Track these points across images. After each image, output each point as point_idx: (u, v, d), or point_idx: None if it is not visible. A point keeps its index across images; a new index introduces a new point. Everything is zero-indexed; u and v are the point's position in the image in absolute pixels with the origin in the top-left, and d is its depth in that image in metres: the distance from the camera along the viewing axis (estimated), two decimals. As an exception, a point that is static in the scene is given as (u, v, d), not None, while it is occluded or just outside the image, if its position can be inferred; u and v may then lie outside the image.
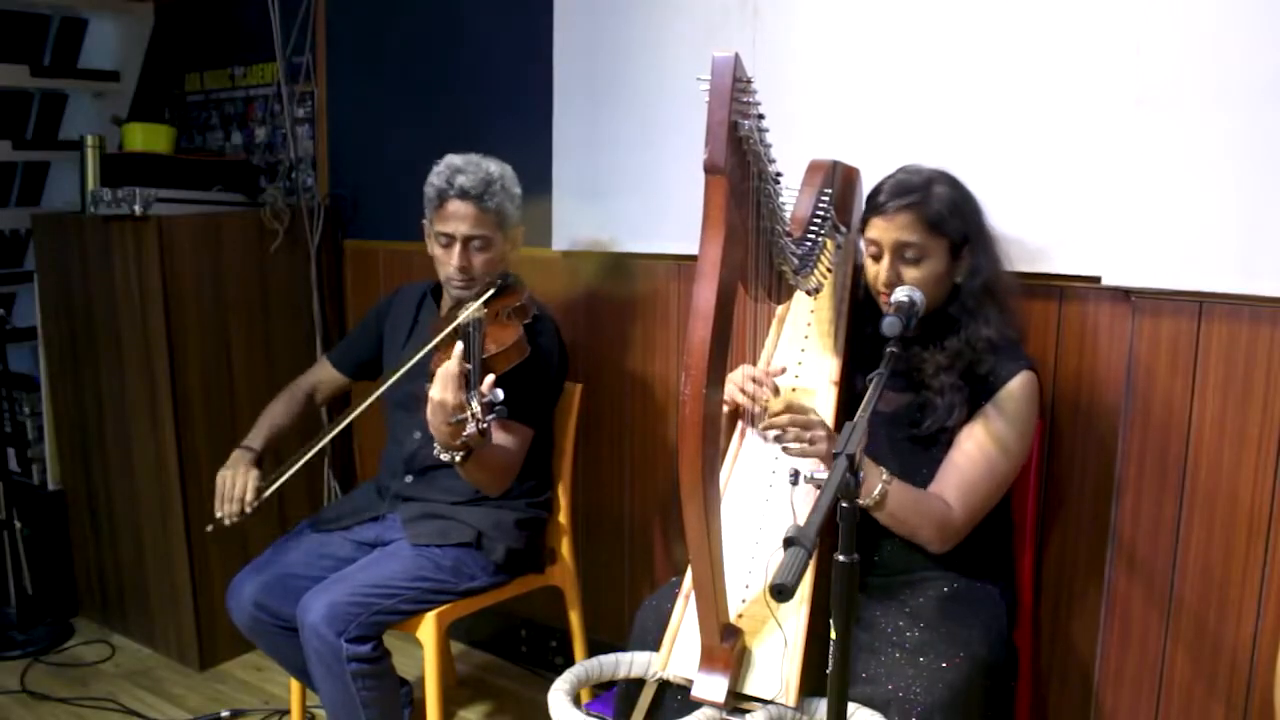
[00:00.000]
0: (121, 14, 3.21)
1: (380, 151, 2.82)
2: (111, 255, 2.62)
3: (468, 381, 1.61)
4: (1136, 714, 1.84)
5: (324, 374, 2.30)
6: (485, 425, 1.57)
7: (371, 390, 2.02)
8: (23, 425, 3.05)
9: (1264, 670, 1.69)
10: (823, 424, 1.48)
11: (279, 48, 2.85)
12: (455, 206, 1.97)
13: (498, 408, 1.58)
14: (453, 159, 2.01)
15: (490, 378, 1.61)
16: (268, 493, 2.00)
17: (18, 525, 2.89)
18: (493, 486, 1.93)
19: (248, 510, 1.99)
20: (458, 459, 1.69)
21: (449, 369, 1.61)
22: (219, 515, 1.99)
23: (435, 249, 2.04)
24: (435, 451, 1.70)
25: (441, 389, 1.60)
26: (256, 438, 2.13)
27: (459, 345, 1.66)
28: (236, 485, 2.00)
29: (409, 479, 2.13)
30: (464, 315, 1.86)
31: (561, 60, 2.39)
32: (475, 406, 1.56)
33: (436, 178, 2.00)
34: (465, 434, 1.57)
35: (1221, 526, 1.72)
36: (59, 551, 3.00)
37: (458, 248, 1.98)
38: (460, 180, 1.96)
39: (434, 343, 1.88)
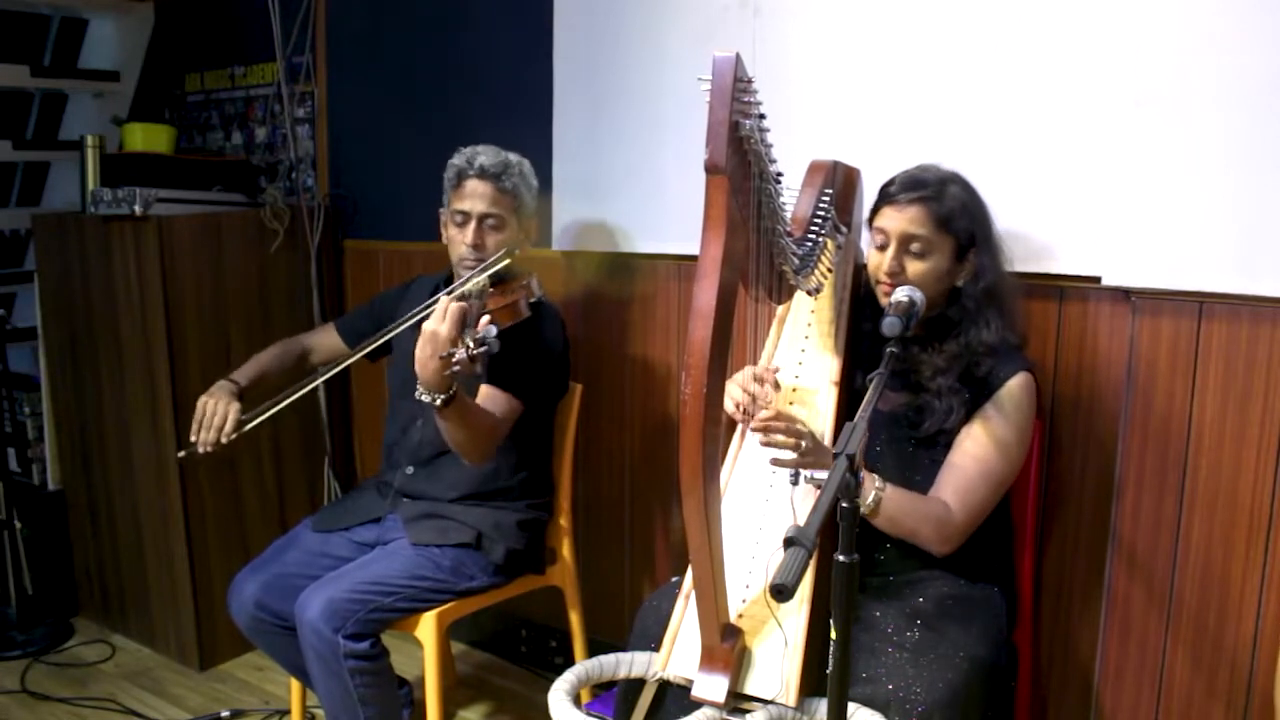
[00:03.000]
0: (121, 14, 3.21)
1: (380, 151, 2.82)
2: (111, 255, 2.62)
3: (464, 323, 1.64)
4: (1136, 714, 1.84)
5: (325, 339, 2.30)
6: (475, 354, 1.58)
7: (376, 371, 2.00)
8: (23, 425, 3.05)
9: (1264, 670, 1.69)
10: (811, 435, 1.47)
11: (279, 48, 2.85)
12: (473, 185, 2.01)
13: (490, 341, 1.60)
14: (474, 146, 2.06)
15: (486, 317, 1.63)
16: (248, 427, 1.97)
17: (18, 525, 2.89)
18: (472, 449, 1.89)
19: (224, 441, 1.96)
20: (439, 401, 1.70)
21: (449, 302, 1.64)
22: (193, 440, 1.96)
23: (450, 229, 2.07)
24: (418, 393, 1.70)
25: (438, 320, 1.63)
26: (242, 375, 2.12)
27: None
28: (217, 414, 1.97)
29: (410, 470, 2.12)
30: (470, 284, 1.88)
31: (561, 60, 2.39)
32: (468, 340, 1.59)
33: (457, 158, 2.05)
34: (455, 362, 1.59)
35: (1221, 526, 1.72)
36: (59, 551, 3.00)
37: (472, 225, 2.01)
38: (480, 159, 2.02)
39: (436, 302, 1.89)
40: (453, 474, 2.06)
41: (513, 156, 2.06)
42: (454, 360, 1.59)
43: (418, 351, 1.65)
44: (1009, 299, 1.65)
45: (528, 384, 2.01)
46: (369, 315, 2.29)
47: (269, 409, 1.97)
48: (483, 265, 1.96)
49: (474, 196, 2.01)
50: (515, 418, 1.99)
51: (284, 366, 2.21)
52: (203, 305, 2.62)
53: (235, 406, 1.99)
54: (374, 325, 2.25)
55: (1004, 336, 1.61)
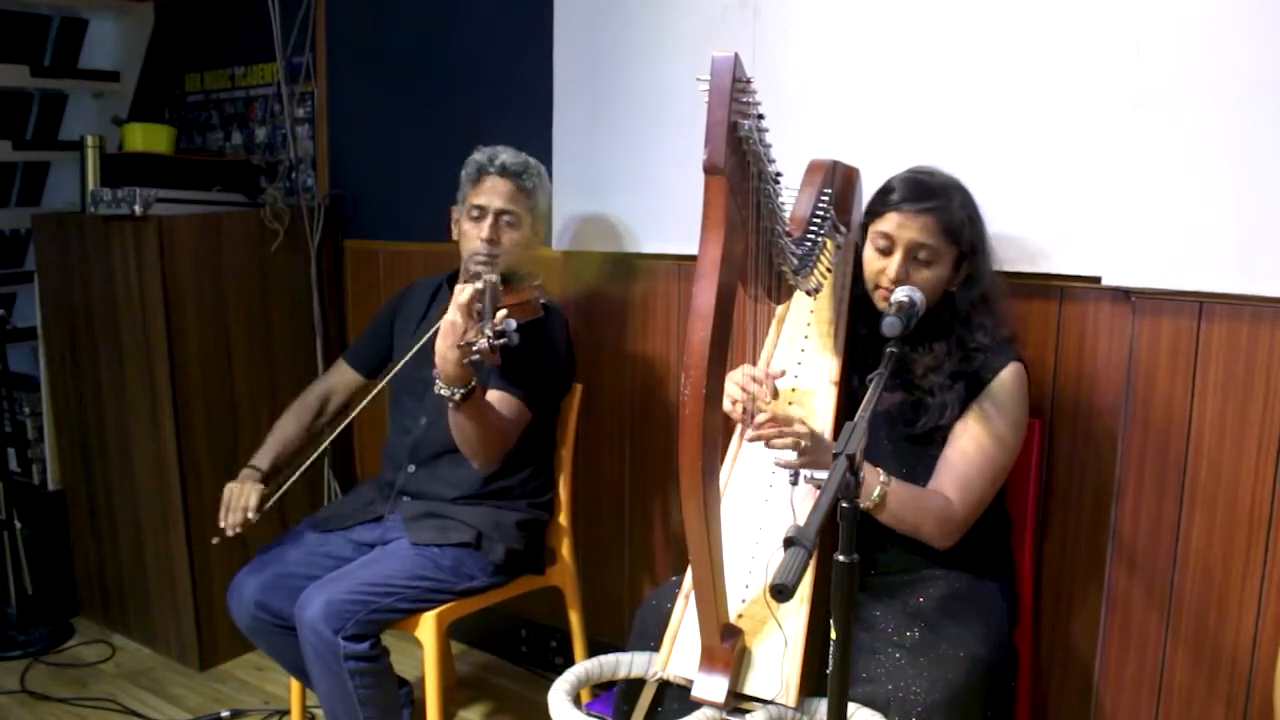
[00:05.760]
0: (121, 14, 3.21)
1: (380, 151, 2.82)
2: (111, 255, 2.62)
3: (482, 315, 1.66)
4: (1136, 714, 1.84)
5: (340, 377, 2.29)
6: (495, 344, 1.61)
7: (371, 390, 2.03)
8: (23, 425, 3.05)
9: (1264, 670, 1.69)
10: (810, 432, 1.47)
11: (279, 48, 2.85)
12: (493, 181, 2.05)
13: (510, 334, 1.62)
14: (495, 146, 2.10)
15: (503, 311, 1.65)
16: (270, 503, 2.06)
17: (18, 525, 2.89)
18: (482, 449, 1.89)
19: (251, 518, 2.04)
20: (458, 395, 1.72)
21: (472, 288, 1.66)
22: (222, 525, 2.04)
23: (465, 224, 2.08)
24: (437, 387, 1.72)
25: (456, 310, 1.65)
26: (264, 458, 2.16)
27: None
28: (242, 496, 2.05)
29: (412, 469, 2.13)
30: (482, 281, 1.88)
31: (561, 60, 2.39)
32: (487, 330, 1.62)
33: (479, 154, 2.09)
34: (476, 348, 1.61)
35: (1221, 526, 1.72)
36: (59, 551, 3.00)
37: (489, 220, 2.04)
38: (503, 157, 2.06)
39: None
40: (454, 474, 2.06)
41: (532, 160, 2.11)
42: (474, 349, 1.62)
43: (438, 343, 1.68)
44: (998, 301, 1.67)
45: (534, 390, 2.02)
46: (373, 336, 2.30)
47: (284, 483, 2.08)
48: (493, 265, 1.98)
49: (493, 192, 2.04)
50: (524, 425, 2.00)
51: (302, 427, 2.23)
52: (203, 305, 2.62)
53: (259, 488, 2.08)
54: (380, 342, 2.26)
55: (996, 335, 1.64)
